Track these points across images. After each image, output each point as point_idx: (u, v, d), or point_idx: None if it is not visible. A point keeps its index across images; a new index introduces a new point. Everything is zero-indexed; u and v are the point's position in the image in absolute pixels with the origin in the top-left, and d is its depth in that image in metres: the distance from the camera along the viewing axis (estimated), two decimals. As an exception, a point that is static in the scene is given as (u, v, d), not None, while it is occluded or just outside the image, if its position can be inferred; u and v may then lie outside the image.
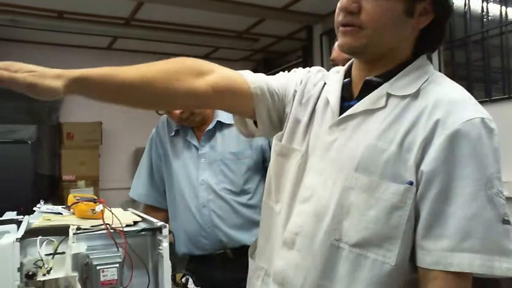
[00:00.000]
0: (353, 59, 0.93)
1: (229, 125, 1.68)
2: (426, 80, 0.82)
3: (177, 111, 1.63)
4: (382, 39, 0.82)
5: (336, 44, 1.56)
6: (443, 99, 0.77)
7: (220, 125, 1.70)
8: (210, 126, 1.69)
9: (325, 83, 0.95)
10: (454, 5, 0.85)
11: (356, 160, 0.80)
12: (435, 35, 0.86)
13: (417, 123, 0.77)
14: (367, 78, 0.87)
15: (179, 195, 1.70)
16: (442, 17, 0.84)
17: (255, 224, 1.62)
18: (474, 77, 2.74)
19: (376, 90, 0.84)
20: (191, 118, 1.64)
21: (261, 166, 1.69)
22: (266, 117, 0.96)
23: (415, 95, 0.80)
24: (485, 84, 2.67)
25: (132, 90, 0.82)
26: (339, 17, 0.84)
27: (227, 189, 1.64)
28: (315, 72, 1.00)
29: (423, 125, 0.76)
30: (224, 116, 1.69)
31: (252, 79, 0.93)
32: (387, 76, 0.84)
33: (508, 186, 2.17)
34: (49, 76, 0.76)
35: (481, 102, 2.73)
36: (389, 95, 0.82)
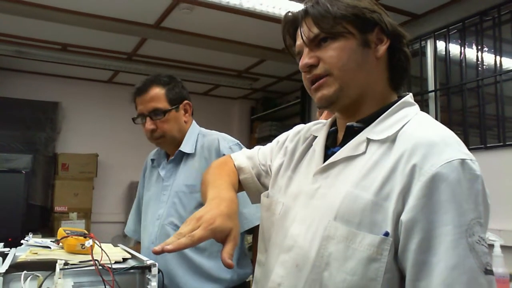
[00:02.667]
0: None
1: (193, 156, 1.61)
2: (406, 123, 0.80)
3: (149, 126, 1.58)
4: (352, 77, 0.83)
5: (318, 112, 1.57)
6: (421, 142, 0.73)
7: (185, 156, 1.63)
8: (172, 157, 1.64)
9: (315, 136, 0.97)
10: (403, 31, 0.87)
11: (335, 208, 0.78)
12: (401, 63, 0.87)
13: (395, 170, 0.74)
14: (348, 124, 0.87)
15: (143, 230, 1.66)
16: (398, 41, 0.86)
17: (198, 269, 1.49)
18: (469, 123, 2.77)
19: (357, 136, 0.83)
20: (161, 139, 1.61)
21: None
22: (256, 192, 1.07)
23: (394, 140, 0.78)
24: (480, 131, 2.70)
25: None
26: (306, 78, 0.87)
27: (173, 224, 1.53)
28: (305, 130, 1.03)
29: (401, 172, 0.73)
30: (187, 146, 1.62)
31: (239, 168, 1.07)
32: (368, 121, 0.84)
33: (504, 235, 2.15)
34: (220, 217, 0.80)
35: (476, 149, 2.71)
36: (369, 141, 0.81)
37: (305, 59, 0.85)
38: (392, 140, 0.78)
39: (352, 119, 0.87)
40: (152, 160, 1.74)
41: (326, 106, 0.87)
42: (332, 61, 0.82)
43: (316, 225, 0.80)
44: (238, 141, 1.65)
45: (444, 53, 2.99)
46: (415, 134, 0.76)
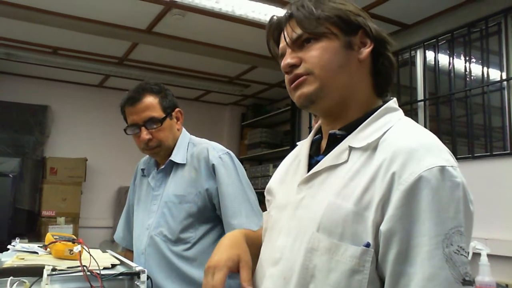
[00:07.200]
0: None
1: (183, 165, 1.58)
2: (388, 129, 0.79)
3: (146, 136, 1.52)
4: (334, 77, 0.82)
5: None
6: (400, 150, 0.72)
7: (175, 165, 1.59)
8: (162, 166, 1.61)
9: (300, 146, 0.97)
10: (387, 36, 0.87)
11: (317, 219, 0.76)
12: (384, 68, 0.87)
13: (375, 178, 0.72)
14: (330, 131, 0.86)
15: (134, 239, 1.65)
16: (381, 46, 0.85)
17: (188, 279, 1.47)
18: (458, 132, 2.81)
19: (339, 144, 0.82)
20: (157, 149, 1.57)
21: (209, 215, 1.53)
22: None
23: (375, 147, 0.76)
24: (468, 141, 2.73)
25: None
26: (287, 78, 0.86)
27: (163, 234, 1.51)
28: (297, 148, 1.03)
29: (381, 180, 0.71)
30: (178, 156, 1.59)
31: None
32: (351, 128, 0.83)
33: (491, 244, 2.18)
34: (222, 253, 0.89)
35: (464, 159, 2.75)
36: (351, 149, 0.80)
37: (287, 59, 0.84)
38: (373, 147, 0.77)
39: (336, 125, 0.86)
40: (142, 169, 1.72)
41: (305, 106, 0.85)
42: (313, 61, 0.81)
43: (302, 236, 0.79)
44: (229, 150, 1.62)
45: (433, 63, 3.03)
46: (395, 141, 0.74)
